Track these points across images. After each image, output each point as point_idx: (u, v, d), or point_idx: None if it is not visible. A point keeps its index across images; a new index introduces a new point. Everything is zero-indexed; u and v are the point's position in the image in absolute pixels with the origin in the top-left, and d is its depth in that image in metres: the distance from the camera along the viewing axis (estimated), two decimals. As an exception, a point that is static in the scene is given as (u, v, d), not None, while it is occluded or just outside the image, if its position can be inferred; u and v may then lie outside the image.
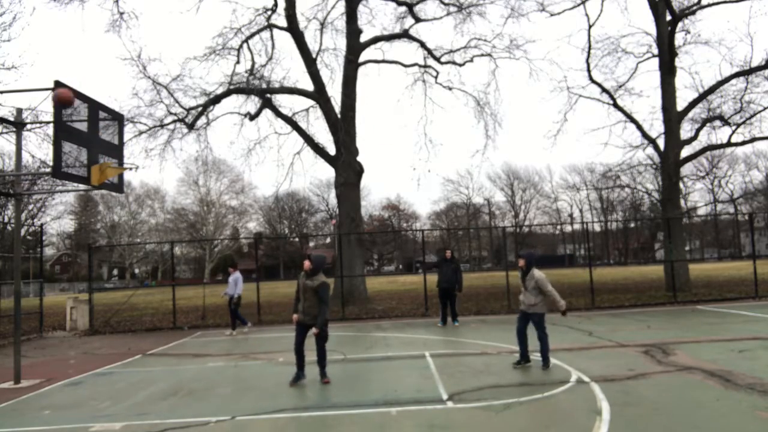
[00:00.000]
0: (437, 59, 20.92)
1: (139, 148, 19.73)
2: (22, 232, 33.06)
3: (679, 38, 19.03)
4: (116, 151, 9.49)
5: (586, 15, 19.81)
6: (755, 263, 16.54)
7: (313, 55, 19.33)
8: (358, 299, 18.04)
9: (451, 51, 20.79)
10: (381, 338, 11.33)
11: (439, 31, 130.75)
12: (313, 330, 6.90)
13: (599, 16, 37.12)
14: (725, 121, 18.84)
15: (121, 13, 18.51)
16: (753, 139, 18.52)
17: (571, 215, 72.55)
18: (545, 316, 7.40)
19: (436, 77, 21.33)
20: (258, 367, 8.72)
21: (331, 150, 19.64)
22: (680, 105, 19.04)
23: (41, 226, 34.35)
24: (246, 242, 66.97)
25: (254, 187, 66.39)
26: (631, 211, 68.68)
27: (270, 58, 20.16)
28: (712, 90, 18.62)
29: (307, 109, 20.44)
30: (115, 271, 73.79)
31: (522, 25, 23.46)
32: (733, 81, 18.35)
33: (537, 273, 7.31)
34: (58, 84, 8.03)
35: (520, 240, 72.13)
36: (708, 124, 19.40)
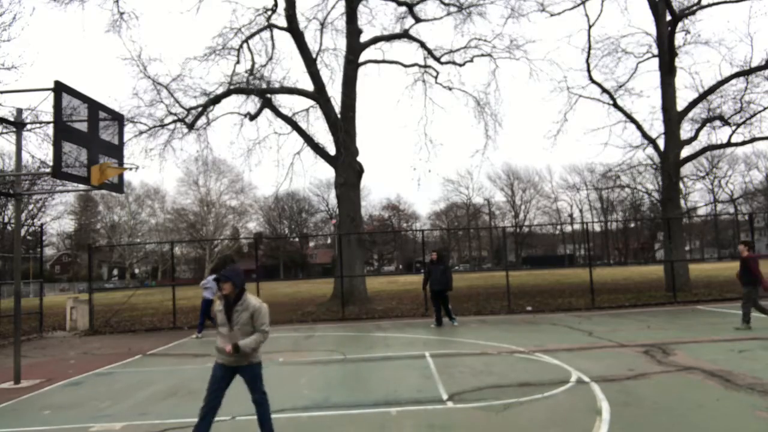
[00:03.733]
0: (437, 59, 20.92)
1: (139, 148, 19.81)
2: (22, 232, 33.07)
3: (679, 38, 19.06)
4: (116, 151, 9.50)
5: (586, 15, 19.85)
6: (755, 263, 16.51)
7: (313, 55, 19.33)
8: (358, 299, 18.03)
9: (451, 51, 20.81)
10: (381, 338, 11.33)
11: (439, 31, 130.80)
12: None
13: (599, 16, 37.19)
14: (725, 121, 18.84)
15: (122, 13, 18.53)
16: (753, 139, 18.51)
17: (571, 215, 72.54)
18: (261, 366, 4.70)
19: (436, 77, 21.34)
20: (258, 367, 8.69)
21: (331, 150, 19.65)
22: (680, 105, 19.05)
23: (41, 226, 34.39)
24: (246, 242, 66.98)
25: (254, 187, 66.33)
26: (631, 211, 68.65)
27: (270, 58, 20.18)
28: (712, 90, 18.61)
29: (307, 109, 20.47)
30: (115, 271, 73.76)
31: (522, 25, 23.47)
32: (733, 81, 18.35)
33: (254, 301, 4.55)
34: (58, 84, 8.05)
35: (520, 240, 72.25)
36: (708, 124, 19.40)
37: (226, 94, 19.26)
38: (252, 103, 19.91)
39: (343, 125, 18.83)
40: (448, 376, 7.17)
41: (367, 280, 21.25)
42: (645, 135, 19.68)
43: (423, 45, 20.74)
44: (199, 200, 61.71)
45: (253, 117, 19.89)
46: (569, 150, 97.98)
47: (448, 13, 20.70)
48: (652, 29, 19.30)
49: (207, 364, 9.16)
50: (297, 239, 77.17)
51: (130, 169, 9.92)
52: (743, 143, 18.77)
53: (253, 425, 5.45)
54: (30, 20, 18.98)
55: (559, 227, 75.31)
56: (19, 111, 8.50)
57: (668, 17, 18.51)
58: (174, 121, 19.03)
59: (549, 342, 9.67)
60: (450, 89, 21.11)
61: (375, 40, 20.58)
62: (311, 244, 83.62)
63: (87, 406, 6.53)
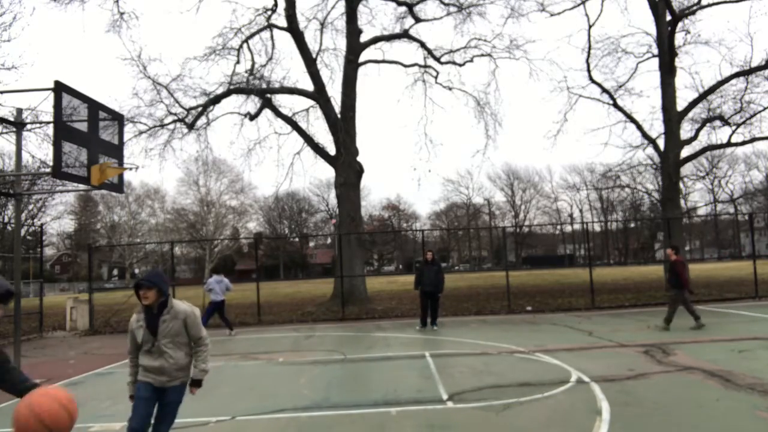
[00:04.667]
0: (437, 59, 20.94)
1: (139, 148, 19.87)
2: (22, 232, 33.09)
3: (679, 38, 19.09)
4: (116, 151, 9.50)
5: (586, 15, 19.88)
6: (755, 263, 16.52)
7: (313, 55, 19.34)
8: (358, 299, 18.04)
9: (451, 51, 20.84)
10: (381, 338, 11.33)
11: (439, 31, 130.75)
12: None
13: (599, 16, 37.19)
14: (725, 121, 18.85)
15: (122, 14, 18.54)
16: (753, 139, 18.53)
17: (571, 215, 72.51)
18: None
19: (436, 77, 21.36)
20: (258, 367, 8.71)
21: (331, 150, 19.66)
22: (680, 105, 19.07)
23: (41, 226, 34.42)
24: (246, 242, 66.89)
25: (254, 187, 66.34)
26: (631, 211, 68.64)
27: (270, 58, 20.20)
28: (712, 90, 18.63)
29: (307, 109, 20.48)
30: (115, 271, 73.74)
31: (522, 25, 23.47)
32: (733, 81, 18.37)
33: (184, 306, 4.07)
34: (58, 84, 8.05)
35: (520, 240, 72.27)
36: (708, 124, 19.42)
37: (226, 94, 19.27)
38: (252, 103, 19.94)
39: (343, 125, 18.84)
40: (448, 376, 7.17)
41: (367, 280, 21.25)
42: (645, 135, 19.70)
43: (423, 45, 20.76)
44: (199, 200, 61.69)
45: (253, 117, 19.90)
46: (569, 150, 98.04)
47: (448, 13, 20.73)
48: (652, 29, 19.34)
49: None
50: (297, 239, 77.14)
51: (130, 169, 9.94)
52: (743, 143, 18.79)
53: (253, 425, 5.45)
54: (30, 20, 19.03)
55: (559, 227, 75.37)
56: (19, 111, 8.50)
57: (668, 17, 18.53)
58: (174, 121, 19.05)
59: (549, 342, 9.67)
60: (450, 89, 21.16)
61: (375, 40, 20.59)
62: (311, 244, 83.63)
63: (87, 406, 6.51)
